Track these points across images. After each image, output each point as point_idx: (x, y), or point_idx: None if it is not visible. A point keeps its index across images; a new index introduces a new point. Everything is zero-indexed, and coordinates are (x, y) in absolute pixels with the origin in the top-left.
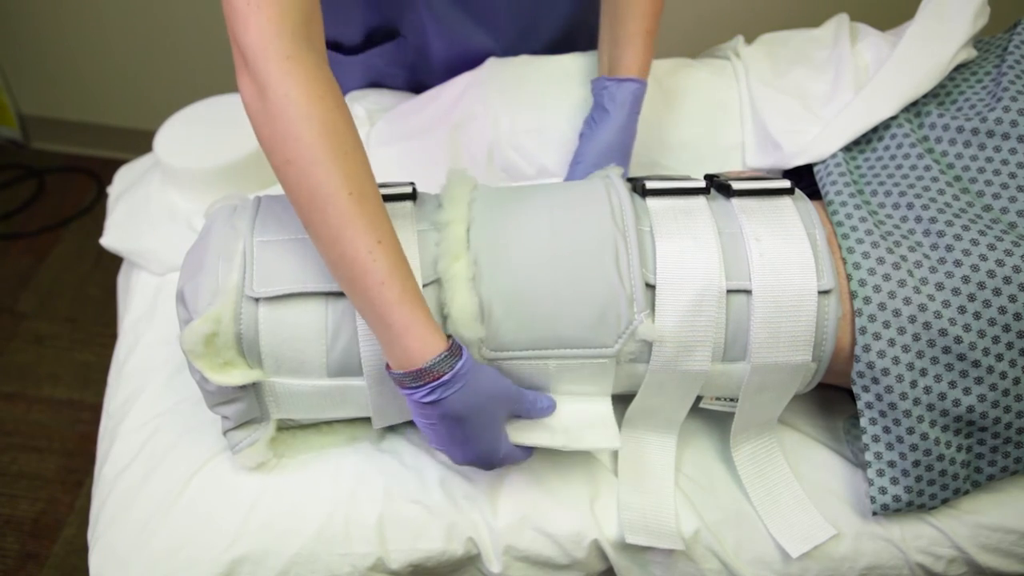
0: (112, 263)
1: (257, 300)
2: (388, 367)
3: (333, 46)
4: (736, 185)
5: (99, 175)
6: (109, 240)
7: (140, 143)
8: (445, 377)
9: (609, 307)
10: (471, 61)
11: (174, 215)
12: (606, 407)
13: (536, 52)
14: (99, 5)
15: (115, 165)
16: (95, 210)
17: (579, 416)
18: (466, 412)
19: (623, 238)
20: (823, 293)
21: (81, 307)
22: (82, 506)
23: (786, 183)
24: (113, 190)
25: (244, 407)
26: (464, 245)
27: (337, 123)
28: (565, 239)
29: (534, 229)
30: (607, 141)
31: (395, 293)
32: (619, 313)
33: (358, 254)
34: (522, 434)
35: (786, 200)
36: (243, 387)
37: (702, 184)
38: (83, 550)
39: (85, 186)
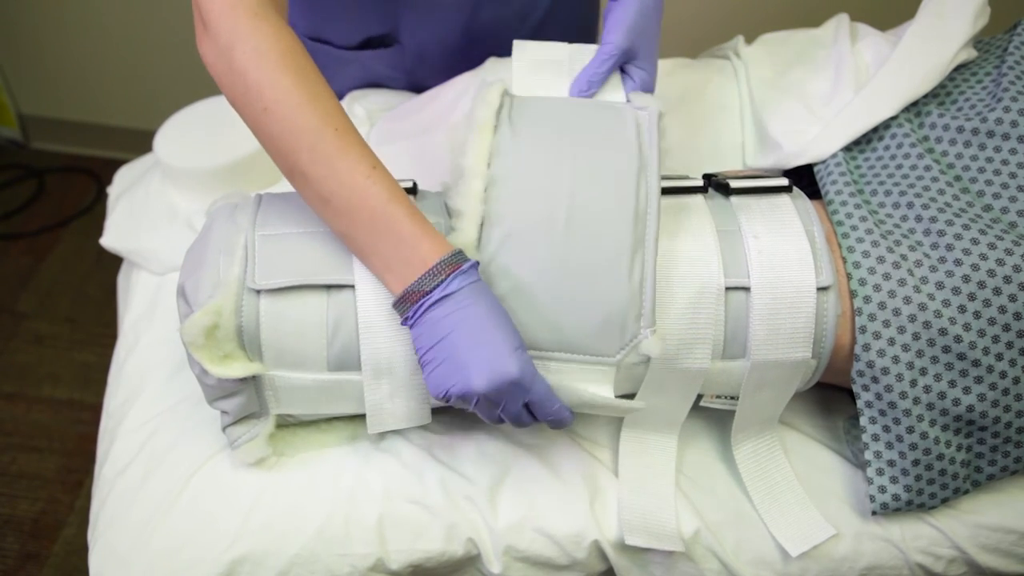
0: (112, 263)
1: (258, 292)
2: (395, 297)
3: (321, 42)
4: (734, 183)
5: (99, 175)
6: (109, 240)
7: (140, 143)
8: (465, 266)
9: (615, 317)
10: (468, 58)
11: (174, 215)
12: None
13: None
14: (99, 5)
15: (115, 165)
16: (95, 210)
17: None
18: (487, 298)
19: (642, 249)
20: (822, 289)
21: (81, 307)
22: (82, 506)
23: (784, 181)
24: (113, 190)
25: (243, 401)
26: (475, 247)
27: (308, 70)
28: (580, 239)
29: (549, 223)
30: (640, 2)
31: (403, 208)
32: (625, 325)
33: (356, 180)
34: None
35: (784, 198)
36: (243, 380)
37: (700, 183)
38: (83, 550)
39: (85, 186)
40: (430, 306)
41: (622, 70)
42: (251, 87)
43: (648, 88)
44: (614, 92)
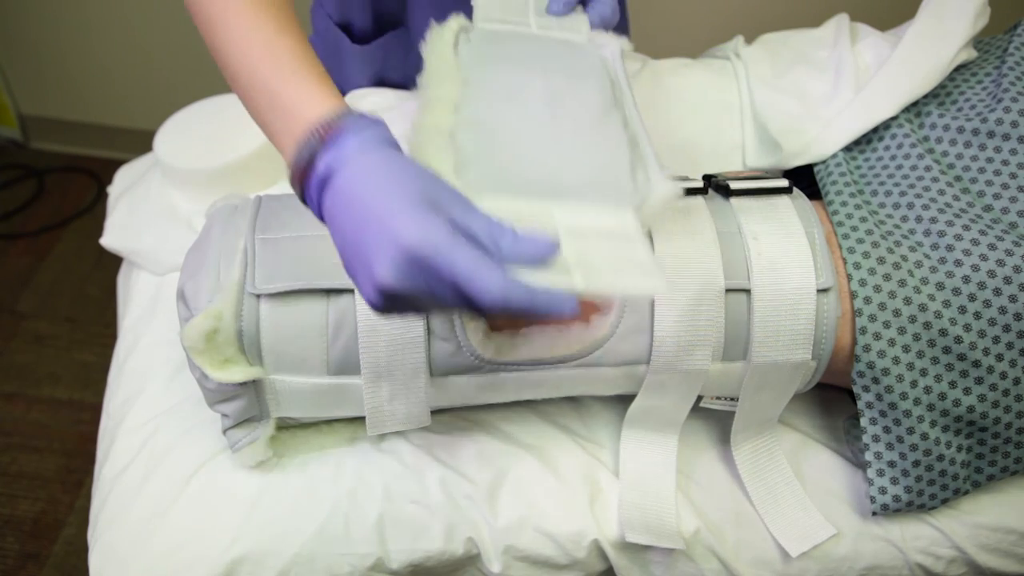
0: (112, 263)
1: (259, 297)
2: (291, 175)
3: (344, 28)
4: (734, 184)
5: (99, 175)
6: (109, 240)
7: (140, 143)
8: (360, 118)
9: (618, 162)
10: None
11: (174, 215)
12: (643, 249)
13: None
14: (98, 5)
15: (115, 165)
16: (95, 210)
17: (603, 251)
18: (389, 147)
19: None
20: (822, 291)
21: (81, 307)
22: (82, 506)
23: (784, 182)
24: (113, 190)
25: (244, 404)
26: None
27: None
28: (564, 124)
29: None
30: None
31: (287, 72)
32: (633, 169)
33: (247, 44)
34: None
35: (784, 199)
36: (243, 384)
37: (700, 184)
38: (83, 550)
39: (85, 186)
40: (321, 186)
41: (583, 4)
42: None
43: (608, 24)
44: (578, 26)
